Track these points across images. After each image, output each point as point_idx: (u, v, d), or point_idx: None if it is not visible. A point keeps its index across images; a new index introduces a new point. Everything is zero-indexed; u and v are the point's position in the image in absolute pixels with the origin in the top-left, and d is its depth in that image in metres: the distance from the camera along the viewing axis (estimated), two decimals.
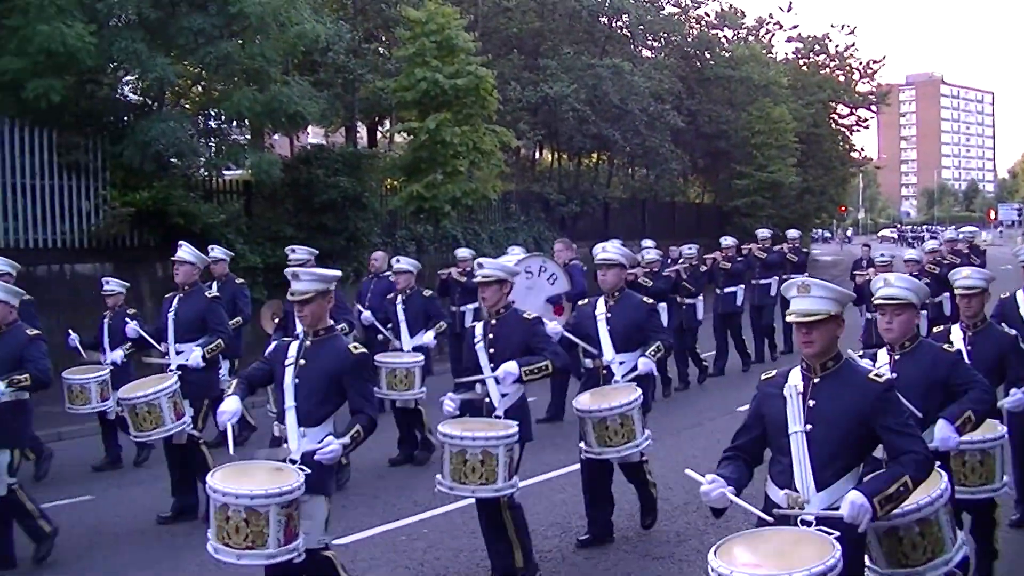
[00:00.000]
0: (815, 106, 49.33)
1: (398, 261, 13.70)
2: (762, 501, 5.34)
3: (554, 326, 9.43)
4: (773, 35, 51.74)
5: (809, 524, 5.01)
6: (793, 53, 53.76)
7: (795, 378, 5.38)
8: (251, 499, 5.89)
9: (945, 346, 7.01)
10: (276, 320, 13.40)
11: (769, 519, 5.13)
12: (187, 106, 22.77)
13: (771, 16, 55.22)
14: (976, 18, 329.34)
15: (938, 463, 5.63)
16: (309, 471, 6.27)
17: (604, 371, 9.05)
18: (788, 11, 52.73)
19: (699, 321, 18.36)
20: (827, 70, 53.14)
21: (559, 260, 16.04)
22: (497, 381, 7.90)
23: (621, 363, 8.99)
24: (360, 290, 16.34)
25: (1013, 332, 7.89)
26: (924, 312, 15.51)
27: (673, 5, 43.25)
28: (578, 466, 9.23)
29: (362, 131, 33.27)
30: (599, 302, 9.21)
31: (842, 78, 52.90)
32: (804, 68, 52.78)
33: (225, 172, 23.14)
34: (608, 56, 35.71)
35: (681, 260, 18.62)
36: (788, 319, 5.36)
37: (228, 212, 21.05)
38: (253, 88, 19.75)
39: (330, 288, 6.86)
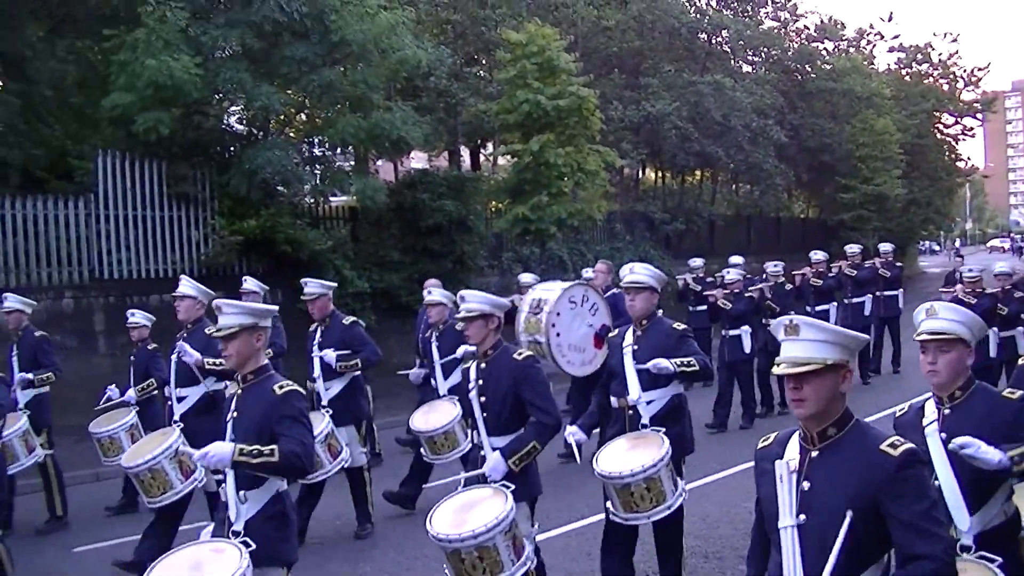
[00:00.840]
0: (919, 116, 48.53)
1: (429, 292, 12.15)
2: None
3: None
4: (874, 46, 51.19)
5: None
6: (895, 63, 53.07)
7: (792, 450, 4.29)
8: None
9: (1006, 392, 5.37)
10: None
11: None
12: (292, 134, 23.07)
13: (872, 27, 54.66)
14: None
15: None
16: (253, 545, 5.56)
17: (630, 411, 7.64)
18: (889, 21, 52.62)
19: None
20: (930, 79, 52.26)
21: (598, 286, 13.17)
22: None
23: (649, 403, 7.64)
24: (416, 321, 14.89)
25: (1019, 393, 5.42)
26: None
27: (772, 19, 43.00)
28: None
29: (465, 155, 33.38)
30: (628, 332, 7.91)
31: (946, 87, 52.00)
32: (907, 78, 51.94)
33: (331, 199, 23.28)
34: (709, 73, 35.40)
35: (765, 278, 17.52)
36: (775, 370, 4.28)
37: (335, 238, 21.08)
38: (356, 115, 19.85)
39: (259, 323, 5.99)
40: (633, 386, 7.64)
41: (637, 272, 7.93)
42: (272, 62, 19.27)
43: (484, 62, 30.76)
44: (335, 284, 11.20)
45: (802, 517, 4.06)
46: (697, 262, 20.22)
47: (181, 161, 19.15)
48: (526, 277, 16.84)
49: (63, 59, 18.91)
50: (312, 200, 22.16)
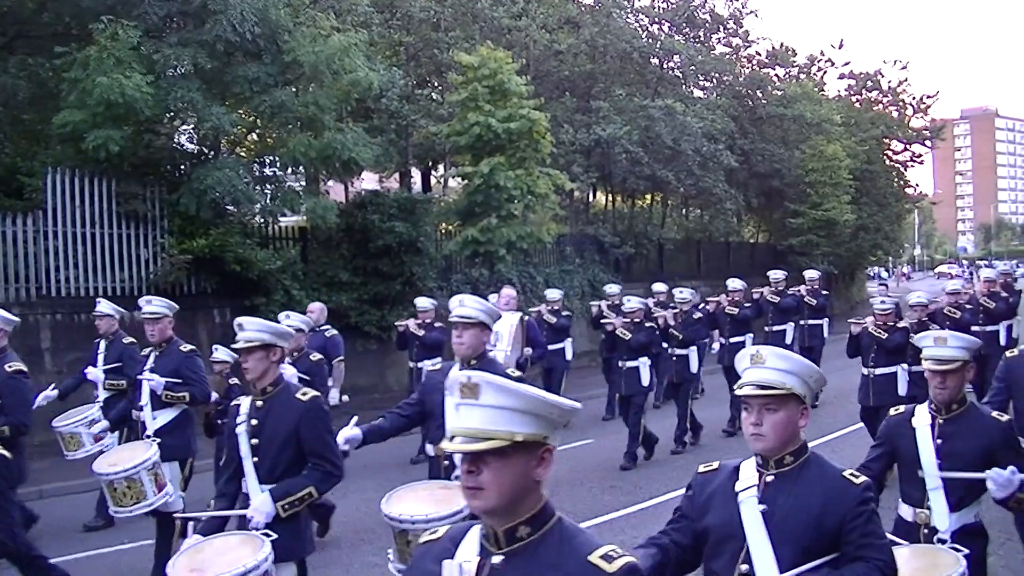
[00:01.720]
0: (869, 143, 48.86)
1: (288, 317, 11.57)
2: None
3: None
4: (825, 72, 51.42)
5: None
6: (845, 90, 53.33)
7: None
8: None
9: (995, 414, 5.99)
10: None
11: None
12: (243, 154, 23.05)
13: (822, 54, 54.74)
14: None
15: None
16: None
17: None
18: (840, 48, 52.98)
19: (693, 374, 16.31)
20: (880, 106, 52.62)
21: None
22: None
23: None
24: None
25: (1006, 418, 6.07)
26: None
27: (724, 45, 43.20)
28: (639, 508, 8.44)
29: (416, 176, 33.50)
30: (452, 369, 6.68)
31: (895, 114, 52.38)
32: (857, 105, 52.27)
33: (281, 219, 23.23)
34: (660, 97, 35.52)
35: (672, 306, 16.73)
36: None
37: (284, 258, 21.06)
38: (308, 135, 19.97)
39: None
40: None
41: (467, 305, 6.84)
42: (224, 82, 19.36)
43: (436, 84, 30.89)
44: (176, 307, 10.17)
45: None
46: (660, 287, 19.96)
47: (131, 179, 19.09)
48: (423, 302, 16.34)
49: (14, 75, 18.82)
50: (262, 220, 22.12)
